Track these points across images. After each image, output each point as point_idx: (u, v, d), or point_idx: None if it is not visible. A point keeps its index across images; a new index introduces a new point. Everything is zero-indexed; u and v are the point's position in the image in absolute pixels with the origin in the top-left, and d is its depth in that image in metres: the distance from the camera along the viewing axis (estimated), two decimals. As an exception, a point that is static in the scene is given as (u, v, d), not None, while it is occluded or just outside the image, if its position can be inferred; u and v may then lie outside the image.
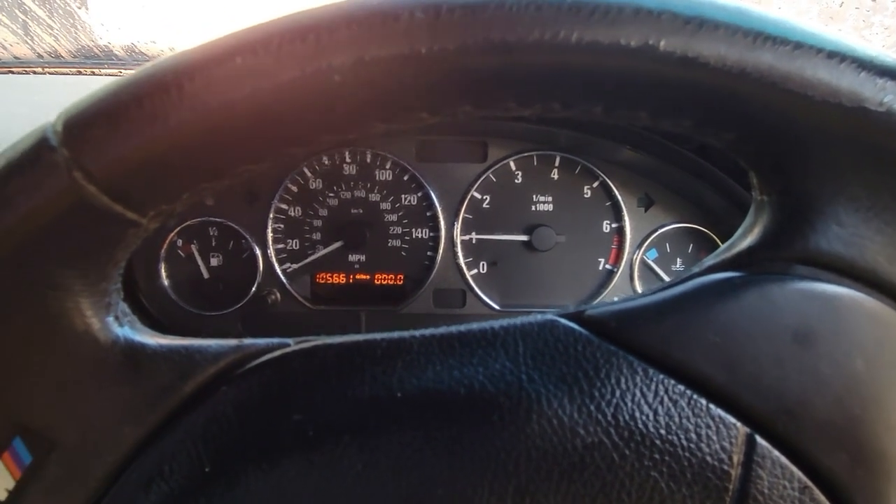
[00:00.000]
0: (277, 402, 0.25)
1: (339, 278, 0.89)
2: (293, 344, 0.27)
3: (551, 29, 0.20)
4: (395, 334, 0.26)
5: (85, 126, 0.21)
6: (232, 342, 0.27)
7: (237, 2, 1.04)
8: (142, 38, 1.02)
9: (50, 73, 0.88)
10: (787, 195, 0.25)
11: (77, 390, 0.25)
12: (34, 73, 0.88)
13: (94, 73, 0.87)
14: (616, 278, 0.87)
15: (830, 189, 0.24)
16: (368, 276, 0.89)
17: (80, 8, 1.03)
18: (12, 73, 0.89)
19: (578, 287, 0.88)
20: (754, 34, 0.20)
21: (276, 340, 0.27)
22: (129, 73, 0.22)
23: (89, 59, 0.99)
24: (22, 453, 0.24)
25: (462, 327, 0.26)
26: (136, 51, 1.02)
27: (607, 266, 0.88)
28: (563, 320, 0.26)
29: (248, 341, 0.27)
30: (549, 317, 0.26)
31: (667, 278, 0.87)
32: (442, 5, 0.20)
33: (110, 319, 0.25)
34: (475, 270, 0.88)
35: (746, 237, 0.27)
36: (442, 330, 0.26)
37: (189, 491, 0.24)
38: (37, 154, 0.21)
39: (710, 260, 0.28)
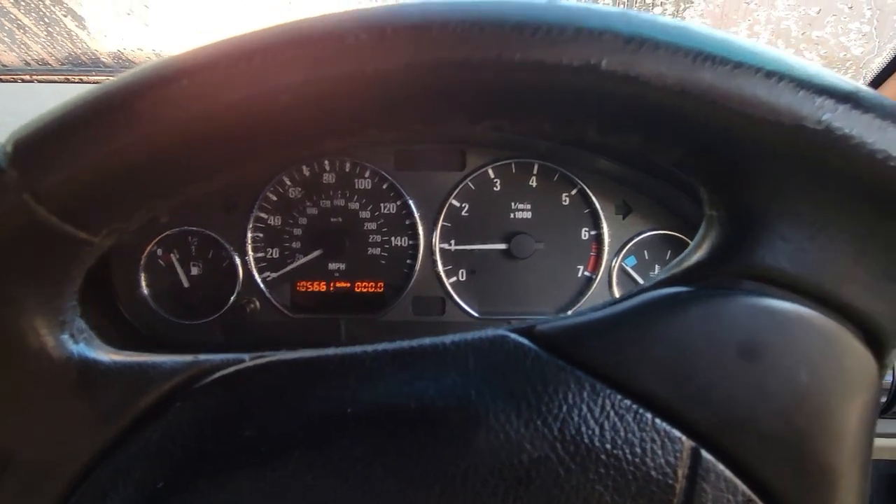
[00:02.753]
0: (230, 418, 0.25)
1: (320, 286, 0.89)
2: (248, 360, 0.27)
3: (495, 49, 0.20)
4: (349, 349, 0.26)
5: (33, 147, 0.21)
6: (187, 358, 0.27)
7: (223, 7, 1.04)
8: (128, 44, 1.03)
9: (38, 81, 0.88)
10: (734, 211, 0.25)
11: (31, 407, 0.25)
12: (22, 80, 0.88)
13: (81, 81, 0.87)
14: (595, 285, 0.88)
15: (775, 205, 0.24)
16: (348, 284, 0.89)
17: (66, 16, 1.03)
18: (1, 80, 0.89)
19: (557, 294, 0.89)
20: (694, 53, 0.20)
21: (231, 356, 0.27)
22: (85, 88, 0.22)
23: (77, 67, 0.99)
24: None
25: (415, 342, 0.26)
26: (123, 58, 1.02)
27: (586, 273, 0.89)
28: (513, 335, 0.26)
29: (203, 357, 0.27)
30: (500, 332, 0.26)
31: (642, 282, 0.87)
32: (386, 27, 0.20)
33: (65, 337, 0.25)
34: (454, 278, 0.89)
35: (696, 252, 0.27)
36: (395, 345, 0.26)
37: None
38: None
39: (660, 275, 0.28)
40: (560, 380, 0.24)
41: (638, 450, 0.23)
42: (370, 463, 0.23)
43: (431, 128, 0.23)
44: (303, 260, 0.87)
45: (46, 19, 1.00)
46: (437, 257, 0.87)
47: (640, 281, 0.88)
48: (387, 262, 0.88)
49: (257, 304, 0.87)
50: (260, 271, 0.87)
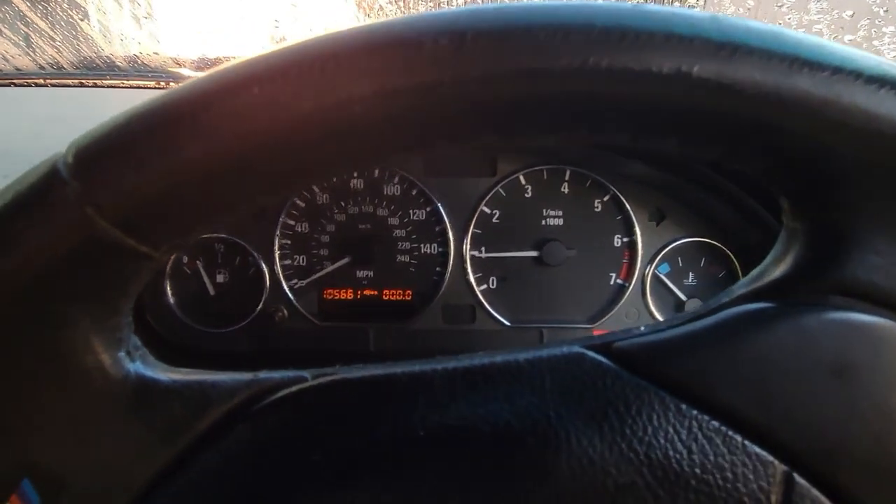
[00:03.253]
0: (295, 442, 0.24)
1: (347, 294, 0.88)
2: (310, 378, 0.26)
3: (580, 56, 0.19)
4: (417, 367, 0.25)
5: (97, 158, 0.20)
6: (247, 376, 0.26)
7: (238, 12, 1.03)
8: (144, 49, 1.02)
9: (52, 85, 0.87)
10: (822, 223, 0.24)
11: (87, 428, 0.24)
12: (36, 84, 0.88)
13: (95, 85, 0.87)
14: (628, 293, 0.86)
15: (867, 217, 0.23)
16: (376, 292, 0.88)
17: (82, 20, 1.03)
18: (14, 84, 0.88)
19: (589, 302, 0.87)
20: (790, 59, 0.19)
21: (292, 374, 0.26)
22: (142, 97, 0.21)
23: (91, 71, 0.99)
24: (30, 495, 0.23)
25: (485, 359, 0.25)
26: (139, 62, 1.01)
27: (618, 281, 0.87)
28: (590, 353, 0.25)
29: (263, 375, 0.26)
30: (576, 349, 0.25)
31: (679, 293, 0.86)
32: (467, 32, 0.19)
33: (122, 355, 0.24)
34: (485, 286, 0.87)
35: (778, 266, 0.26)
36: (465, 363, 0.25)
37: None
38: (48, 187, 0.20)
39: (739, 289, 0.27)
40: (643, 400, 0.23)
41: (729, 475, 0.22)
42: (444, 490, 0.23)
43: (506, 139, 0.22)
44: (331, 268, 0.86)
45: (63, 23, 1.00)
46: (468, 265, 0.86)
47: (675, 289, 0.86)
48: (416, 269, 0.87)
49: (285, 312, 0.85)
50: (287, 279, 0.86)
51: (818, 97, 0.20)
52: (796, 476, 0.22)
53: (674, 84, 0.19)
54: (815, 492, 0.22)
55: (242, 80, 0.20)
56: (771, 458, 0.22)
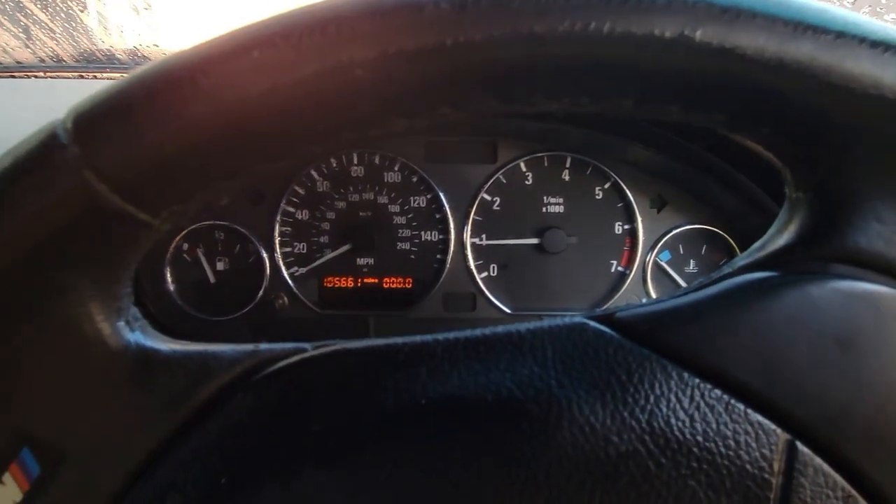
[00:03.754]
0: (296, 411, 0.24)
1: (347, 282, 0.88)
2: (311, 349, 0.26)
3: (582, 19, 0.19)
4: (418, 338, 0.25)
5: (96, 122, 0.20)
6: (248, 347, 0.26)
7: (238, 5, 1.03)
8: (144, 41, 1.02)
9: (51, 77, 0.87)
10: (825, 192, 0.24)
11: (87, 398, 0.24)
12: (35, 77, 0.88)
13: (95, 77, 0.87)
14: (629, 281, 0.86)
15: (870, 185, 0.23)
16: (377, 280, 0.88)
17: (82, 11, 1.03)
18: (14, 77, 0.88)
19: (590, 290, 0.87)
20: (794, 23, 0.19)
21: (292, 345, 0.26)
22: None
23: (91, 63, 0.99)
24: (30, 464, 0.23)
25: (487, 330, 0.25)
26: (139, 54, 1.01)
27: (619, 268, 0.87)
28: (592, 323, 0.25)
29: (264, 346, 0.26)
30: (578, 319, 0.25)
31: (680, 280, 0.86)
32: None
33: (121, 324, 0.24)
34: (485, 273, 0.87)
35: (781, 236, 0.26)
36: (466, 333, 0.25)
37: None
38: (46, 152, 0.20)
39: (741, 260, 0.27)
40: (645, 369, 0.23)
41: (731, 442, 0.22)
42: (446, 458, 0.22)
43: (507, 106, 0.22)
44: (331, 255, 0.86)
45: (63, 15, 1.00)
46: (468, 252, 0.86)
47: (675, 276, 0.86)
48: (416, 256, 0.87)
49: (285, 299, 0.85)
50: (287, 266, 0.86)
51: (822, 61, 0.19)
52: (799, 444, 0.22)
53: (676, 48, 0.19)
54: (818, 460, 0.22)
55: (242, 44, 0.20)
56: (773, 426, 0.22)
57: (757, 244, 0.27)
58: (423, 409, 0.23)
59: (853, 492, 0.22)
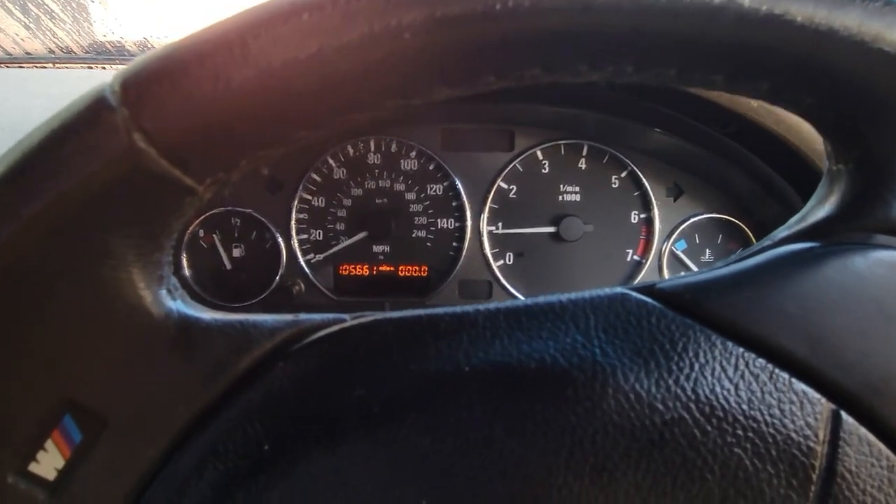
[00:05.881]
0: (338, 378, 0.24)
1: (363, 269, 0.88)
2: (350, 319, 0.26)
3: None
4: (458, 309, 0.25)
5: (145, 85, 0.20)
6: (288, 317, 0.26)
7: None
8: (154, 32, 1.02)
9: (59, 68, 0.87)
10: (866, 163, 0.24)
11: (129, 366, 0.24)
12: (44, 68, 0.88)
13: (104, 68, 0.87)
14: (644, 270, 0.86)
15: None
16: (392, 268, 0.88)
17: (93, 2, 1.03)
18: (22, 68, 0.88)
19: (606, 278, 0.87)
20: None
21: (332, 316, 0.26)
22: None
23: (101, 55, 0.99)
24: (72, 431, 0.23)
25: (528, 301, 0.25)
26: (148, 45, 1.01)
27: (635, 257, 0.87)
28: (634, 293, 0.25)
29: (304, 316, 0.26)
30: (620, 290, 0.25)
31: (696, 270, 0.86)
32: None
33: (163, 292, 0.24)
34: (501, 262, 0.87)
35: (822, 207, 0.26)
36: (507, 304, 0.25)
37: (246, 471, 0.23)
38: (95, 114, 0.20)
39: (782, 232, 0.27)
40: (689, 338, 0.23)
41: (776, 411, 0.22)
42: (490, 424, 0.22)
43: (551, 74, 0.22)
44: (348, 242, 0.86)
45: (74, 5, 1.00)
46: (485, 240, 0.86)
47: (692, 265, 0.86)
48: (432, 244, 0.87)
49: (302, 286, 0.86)
50: (304, 253, 0.86)
51: (871, 27, 0.19)
52: (843, 414, 0.22)
53: (724, 15, 0.19)
54: (863, 429, 0.22)
55: (292, 7, 0.20)
56: (818, 395, 0.22)
57: (796, 217, 0.27)
58: (465, 375, 0.24)
59: None
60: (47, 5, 0.99)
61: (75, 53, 1.00)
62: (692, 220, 0.86)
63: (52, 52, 0.99)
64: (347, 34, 0.19)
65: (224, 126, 0.21)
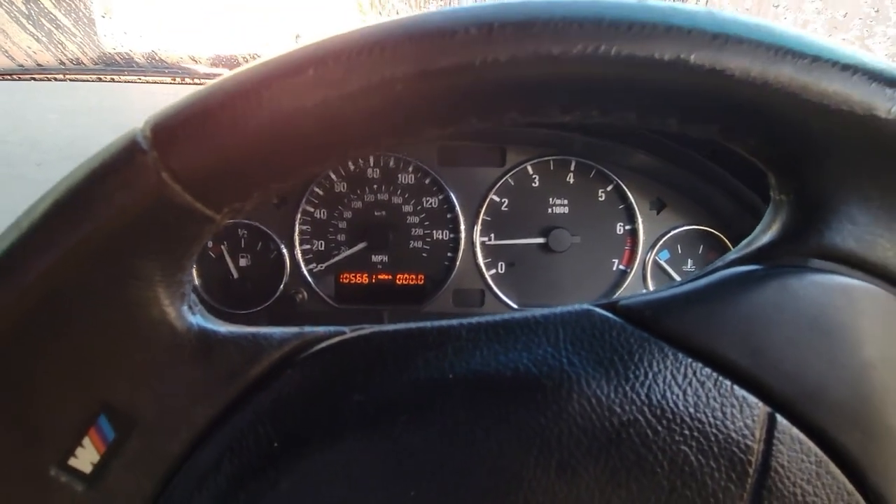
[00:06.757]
0: (339, 384, 0.27)
1: (362, 278, 0.92)
2: (349, 331, 0.28)
3: (593, 43, 0.21)
4: (444, 322, 0.28)
5: (172, 131, 0.23)
6: (294, 330, 0.28)
7: (255, 12, 1.06)
8: (162, 46, 1.04)
9: (70, 80, 0.89)
10: (804, 195, 0.26)
11: (156, 373, 0.26)
12: (55, 79, 0.89)
13: (113, 80, 0.88)
14: (629, 278, 0.90)
15: (844, 190, 0.25)
16: (390, 276, 0.91)
17: (103, 16, 1.05)
18: (34, 80, 0.89)
19: (593, 287, 0.91)
20: (776, 48, 0.22)
21: (333, 328, 0.28)
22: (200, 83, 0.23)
23: (109, 67, 1.01)
24: (106, 430, 0.25)
25: (505, 316, 0.28)
26: (156, 58, 1.03)
27: (621, 267, 0.91)
28: (598, 310, 0.27)
29: (308, 329, 0.28)
30: (586, 307, 0.27)
31: (678, 279, 0.90)
32: (493, 22, 0.22)
33: (185, 308, 0.26)
34: (493, 271, 0.91)
35: (766, 233, 0.28)
36: (487, 318, 0.28)
37: (258, 465, 0.25)
38: (130, 156, 0.23)
39: (732, 255, 0.29)
40: (644, 350, 0.25)
41: (719, 413, 0.24)
42: (471, 425, 0.25)
43: (526, 117, 0.24)
44: (348, 252, 0.90)
45: (85, 19, 1.02)
46: (478, 250, 0.90)
47: (674, 274, 0.90)
48: (428, 255, 0.91)
49: (305, 294, 0.89)
50: (306, 263, 0.90)
51: (800, 81, 0.22)
52: (778, 416, 0.24)
53: (673, 69, 0.21)
54: (795, 430, 0.24)
55: (299, 63, 0.22)
56: (756, 399, 0.24)
57: (745, 241, 0.29)
58: (450, 382, 0.26)
59: (825, 457, 0.24)
60: (59, 20, 1.01)
61: (85, 65, 1.02)
62: (674, 231, 0.90)
63: (62, 63, 1.02)
64: (348, 86, 0.22)
65: (241, 164, 0.23)
